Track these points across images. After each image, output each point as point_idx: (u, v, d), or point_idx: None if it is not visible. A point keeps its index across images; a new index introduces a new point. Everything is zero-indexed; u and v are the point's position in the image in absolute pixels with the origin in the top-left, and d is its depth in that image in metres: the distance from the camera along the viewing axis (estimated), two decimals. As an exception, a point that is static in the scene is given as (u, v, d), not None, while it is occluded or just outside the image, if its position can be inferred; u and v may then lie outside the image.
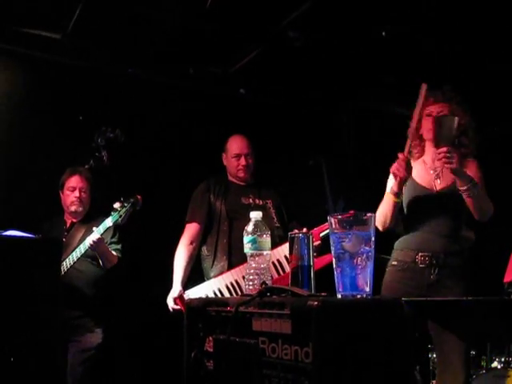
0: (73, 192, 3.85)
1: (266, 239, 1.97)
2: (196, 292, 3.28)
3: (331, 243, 1.57)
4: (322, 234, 3.10)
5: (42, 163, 4.24)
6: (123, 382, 4.43)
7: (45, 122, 4.37)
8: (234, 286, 3.24)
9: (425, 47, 4.49)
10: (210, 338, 1.79)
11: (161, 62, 4.71)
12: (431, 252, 2.81)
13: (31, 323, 2.53)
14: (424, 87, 2.78)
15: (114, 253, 3.80)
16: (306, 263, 1.79)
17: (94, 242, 3.54)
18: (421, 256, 2.84)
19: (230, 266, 3.34)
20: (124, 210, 3.50)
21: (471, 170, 2.85)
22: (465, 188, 2.70)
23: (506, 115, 5.03)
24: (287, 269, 3.19)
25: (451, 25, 4.14)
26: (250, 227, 1.98)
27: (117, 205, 3.52)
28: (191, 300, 1.98)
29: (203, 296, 3.20)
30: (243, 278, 3.16)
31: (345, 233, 1.53)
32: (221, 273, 3.35)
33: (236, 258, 3.33)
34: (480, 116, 2.98)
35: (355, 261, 1.51)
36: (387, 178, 3.03)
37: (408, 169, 2.77)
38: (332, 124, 5.63)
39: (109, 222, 3.53)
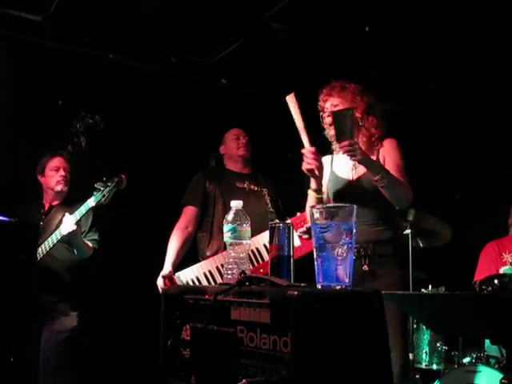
0: (57, 172, 3.81)
1: (246, 228, 1.96)
2: (187, 273, 3.28)
3: (312, 234, 1.57)
4: None
5: (19, 147, 4.19)
6: (98, 367, 4.39)
7: (23, 105, 4.30)
8: (213, 274, 3.23)
9: (409, 42, 4.50)
10: (187, 327, 1.78)
11: (143, 49, 4.66)
12: (359, 243, 2.78)
13: (5, 308, 2.50)
14: (291, 98, 2.85)
15: (89, 244, 3.75)
16: (285, 253, 1.78)
17: (68, 233, 3.48)
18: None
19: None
20: (108, 189, 3.44)
21: (388, 151, 2.87)
22: (375, 178, 2.67)
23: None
24: (266, 258, 3.19)
25: (436, 19, 4.14)
26: (230, 216, 1.97)
27: (100, 184, 3.46)
28: (169, 287, 1.96)
29: (194, 277, 3.19)
30: (221, 268, 3.17)
31: (326, 224, 1.52)
32: (214, 254, 3.37)
33: None
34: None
35: (336, 252, 1.50)
36: None
37: (319, 159, 2.75)
38: (312, 117, 5.61)
39: (91, 202, 3.46)
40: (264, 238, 3.20)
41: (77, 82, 4.42)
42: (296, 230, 3.11)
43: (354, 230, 1.53)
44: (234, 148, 3.73)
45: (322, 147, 2.94)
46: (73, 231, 3.47)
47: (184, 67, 4.90)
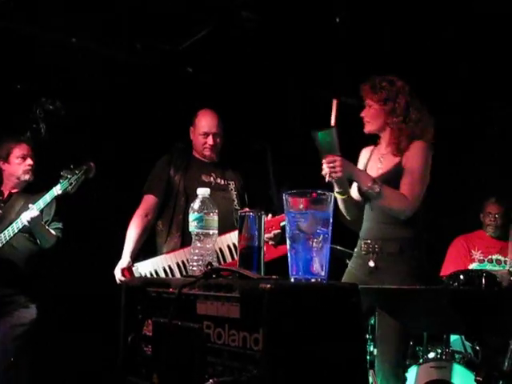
0: (24, 160, 3.63)
1: (214, 217, 1.85)
2: (146, 265, 3.13)
3: (286, 223, 1.47)
4: (282, 223, 3.00)
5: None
6: (57, 360, 4.25)
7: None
8: (186, 265, 3.10)
9: (378, 35, 4.45)
10: (150, 321, 1.66)
11: (108, 34, 4.50)
12: (370, 239, 2.87)
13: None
14: (335, 103, 2.86)
15: (53, 232, 3.60)
16: (256, 244, 1.68)
17: (31, 218, 3.33)
18: (363, 243, 2.90)
19: (183, 244, 3.23)
20: (75, 177, 3.30)
21: (410, 155, 2.86)
22: (363, 190, 2.76)
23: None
24: (228, 259, 3.09)
25: (409, 10, 4.10)
26: (196, 204, 1.85)
27: (66, 172, 3.31)
28: (130, 279, 1.83)
29: (153, 271, 3.06)
30: (187, 261, 3.06)
31: (301, 212, 1.42)
32: (173, 250, 3.23)
33: (190, 237, 3.20)
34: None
35: (311, 243, 1.40)
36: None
37: (346, 167, 2.75)
38: (280, 108, 5.53)
39: (57, 189, 3.31)
40: (228, 238, 3.09)
41: (37, 66, 4.25)
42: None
43: (331, 220, 1.43)
44: (200, 145, 3.54)
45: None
46: (34, 218, 3.32)
47: (150, 54, 4.76)
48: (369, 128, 2.99)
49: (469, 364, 3.58)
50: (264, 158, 5.28)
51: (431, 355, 3.86)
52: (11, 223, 3.41)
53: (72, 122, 4.12)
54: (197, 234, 1.85)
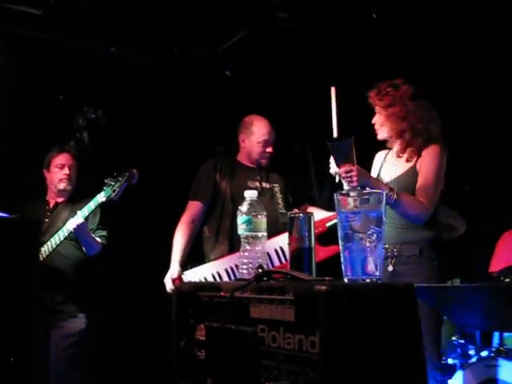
0: (61, 169, 3.70)
1: (262, 220, 1.84)
2: (194, 273, 3.16)
3: (338, 223, 1.44)
4: (328, 224, 3.00)
5: (20, 143, 4.08)
6: (109, 369, 4.29)
7: (24, 100, 4.20)
8: (234, 271, 3.11)
9: (416, 32, 4.37)
10: (202, 326, 1.66)
11: (145, 41, 4.54)
12: (388, 244, 2.84)
13: (7, 309, 2.39)
14: (333, 90, 2.89)
15: (98, 239, 3.64)
16: (306, 245, 1.66)
17: (77, 226, 3.37)
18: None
19: (231, 251, 3.23)
20: (118, 184, 3.32)
21: (424, 159, 2.85)
22: None
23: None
24: (276, 263, 3.08)
25: (448, 8, 4.02)
26: (244, 207, 1.84)
27: (110, 179, 3.34)
28: (181, 284, 1.83)
29: (202, 278, 3.07)
30: (236, 265, 3.05)
31: (353, 212, 1.40)
32: (221, 256, 3.24)
33: (237, 243, 3.20)
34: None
35: (364, 242, 1.38)
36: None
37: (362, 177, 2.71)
38: (319, 109, 5.49)
39: (101, 197, 3.34)
40: (275, 242, 3.08)
41: (78, 76, 4.31)
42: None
43: (384, 219, 1.41)
44: (257, 153, 3.52)
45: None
46: (80, 225, 3.36)
47: (187, 59, 4.78)
48: (381, 135, 3.01)
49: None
50: (305, 159, 5.27)
51: (485, 353, 3.76)
52: (57, 232, 3.46)
53: (114, 129, 4.17)
54: (246, 237, 1.84)
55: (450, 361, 3.99)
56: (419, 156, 2.86)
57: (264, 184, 3.50)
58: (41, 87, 4.23)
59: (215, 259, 3.24)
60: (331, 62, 4.86)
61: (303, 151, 5.38)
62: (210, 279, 3.06)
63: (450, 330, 4.03)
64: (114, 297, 4.27)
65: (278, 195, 3.49)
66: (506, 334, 3.81)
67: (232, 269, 3.13)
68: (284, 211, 3.39)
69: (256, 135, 3.52)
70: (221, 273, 3.12)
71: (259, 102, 4.95)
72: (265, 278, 1.55)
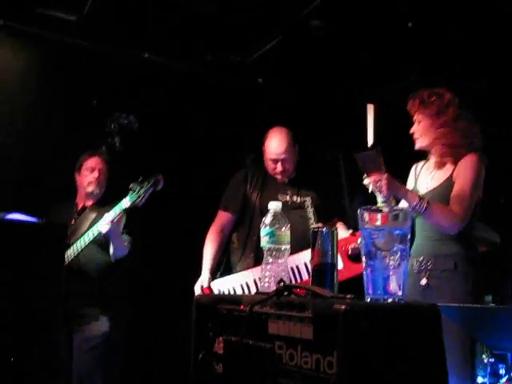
0: (91, 172, 3.72)
1: (286, 232, 1.80)
2: (223, 283, 3.15)
3: (361, 239, 1.40)
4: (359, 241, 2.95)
5: (53, 147, 4.13)
6: (128, 374, 4.30)
7: (58, 105, 4.25)
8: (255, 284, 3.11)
9: (452, 40, 4.29)
10: (221, 339, 1.63)
11: (177, 48, 4.56)
12: (422, 256, 2.79)
13: (33, 313, 2.41)
14: (371, 109, 2.74)
15: (125, 242, 3.65)
16: (329, 260, 1.62)
17: (111, 222, 3.36)
18: (415, 261, 2.82)
19: (256, 265, 3.19)
20: (144, 189, 3.31)
21: (461, 169, 2.77)
22: (411, 207, 2.65)
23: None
24: (305, 277, 3.05)
25: (481, 15, 3.94)
26: (267, 219, 1.81)
27: (135, 185, 3.34)
28: (201, 296, 1.80)
29: (230, 288, 3.07)
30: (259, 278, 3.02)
31: (377, 228, 1.35)
32: (247, 268, 3.23)
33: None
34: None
35: (387, 260, 1.33)
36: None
37: (392, 185, 2.66)
38: (352, 118, 5.45)
39: (126, 202, 3.33)
40: (306, 256, 3.03)
41: (111, 81, 4.35)
42: (345, 252, 3.04)
43: (409, 236, 1.36)
44: (270, 170, 3.46)
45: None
46: (112, 227, 3.36)
47: (220, 66, 4.78)
48: (420, 144, 2.93)
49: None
50: (337, 168, 5.22)
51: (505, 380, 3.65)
52: (84, 234, 3.48)
53: (146, 135, 4.18)
54: (268, 250, 1.81)
55: (480, 379, 3.90)
56: (457, 166, 2.79)
57: (295, 198, 3.43)
58: (74, 92, 4.28)
59: (245, 269, 3.23)
60: (363, 71, 4.81)
61: (335, 161, 5.32)
62: (239, 289, 3.05)
63: (480, 348, 3.93)
64: (138, 301, 4.28)
65: (310, 209, 3.43)
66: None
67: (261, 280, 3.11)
68: (315, 225, 3.34)
69: (267, 152, 3.46)
70: (249, 283, 3.11)
71: (291, 110, 4.94)
72: (285, 293, 1.51)
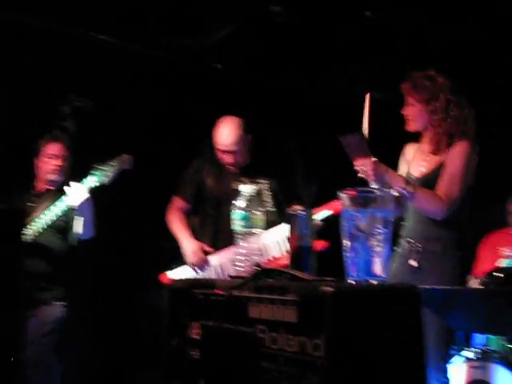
0: (53, 159, 3.59)
1: (260, 216, 1.79)
2: (181, 273, 3.13)
3: (343, 222, 1.39)
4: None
5: (4, 131, 3.98)
6: (88, 360, 4.22)
7: (6, 88, 4.09)
8: (221, 269, 3.09)
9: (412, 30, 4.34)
10: (197, 324, 1.60)
11: (135, 31, 4.45)
12: (413, 238, 2.80)
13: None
14: (368, 97, 2.74)
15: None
16: (307, 244, 1.61)
17: (82, 201, 3.26)
18: (405, 242, 2.83)
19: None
20: (111, 168, 3.23)
21: (451, 156, 2.77)
22: (396, 191, 2.63)
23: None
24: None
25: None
26: (241, 203, 1.79)
27: (101, 164, 3.25)
28: (174, 281, 1.77)
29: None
30: (230, 261, 3.02)
31: (360, 211, 1.35)
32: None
33: (220, 247, 3.19)
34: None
35: (371, 242, 1.33)
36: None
37: (378, 169, 2.66)
38: (307, 105, 5.46)
39: (92, 181, 3.25)
40: (266, 237, 3.05)
41: (67, 64, 4.22)
42: None
43: (391, 219, 1.36)
44: (221, 159, 3.42)
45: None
46: (86, 200, 3.26)
47: (176, 50, 4.70)
48: (412, 127, 2.90)
49: (508, 364, 3.48)
50: (293, 156, 5.22)
51: (470, 355, 3.75)
52: (44, 215, 3.38)
53: (102, 119, 4.08)
54: (242, 234, 1.79)
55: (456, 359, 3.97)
56: (449, 152, 2.77)
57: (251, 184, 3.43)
58: (28, 75, 4.13)
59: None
60: (323, 57, 4.82)
61: (291, 148, 5.32)
62: (211, 273, 3.06)
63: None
64: (99, 289, 4.20)
65: (267, 193, 3.42)
66: (490, 336, 3.81)
67: (221, 266, 3.13)
68: (273, 209, 3.33)
69: (216, 143, 3.39)
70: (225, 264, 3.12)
71: (248, 97, 4.92)
72: (263, 277, 1.50)
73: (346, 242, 1.39)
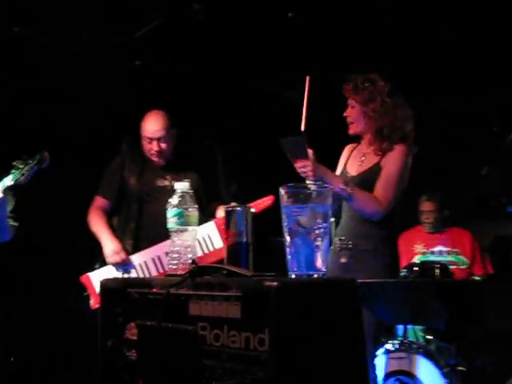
0: None
1: (194, 213, 1.77)
2: (103, 274, 3.06)
3: (283, 217, 1.40)
4: None
5: None
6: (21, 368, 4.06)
7: None
8: (143, 269, 3.05)
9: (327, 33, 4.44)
10: (133, 325, 1.57)
11: (53, 24, 4.30)
12: (344, 235, 2.86)
13: None
14: (307, 80, 2.79)
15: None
16: (244, 240, 1.61)
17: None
18: (338, 240, 2.89)
19: (135, 252, 3.19)
20: (27, 167, 3.08)
21: (388, 159, 2.85)
22: (335, 192, 2.70)
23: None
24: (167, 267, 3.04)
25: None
26: (175, 200, 1.77)
27: (18, 162, 3.11)
28: (108, 280, 1.73)
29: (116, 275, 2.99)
30: (152, 260, 2.99)
31: (299, 206, 1.36)
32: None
33: (143, 244, 3.19)
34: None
35: (311, 237, 1.35)
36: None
37: (317, 171, 2.70)
38: (230, 105, 5.47)
39: (8, 180, 3.10)
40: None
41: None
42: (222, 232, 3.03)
43: (330, 214, 1.38)
44: (146, 151, 3.41)
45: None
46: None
47: (97, 45, 4.58)
48: (353, 129, 2.98)
49: (427, 354, 3.61)
50: (214, 155, 5.22)
51: (390, 346, 3.86)
52: None
53: (21, 114, 3.93)
54: (176, 231, 1.77)
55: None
56: (386, 153, 2.85)
57: (174, 182, 3.41)
58: None
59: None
60: (246, 57, 4.84)
61: (212, 148, 5.32)
62: (133, 273, 3.01)
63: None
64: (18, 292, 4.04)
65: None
66: (409, 327, 3.95)
67: (141, 266, 3.09)
68: (195, 207, 3.32)
69: (143, 132, 3.40)
70: (136, 268, 3.06)
71: (170, 95, 4.86)
72: (200, 274, 1.48)
73: (287, 238, 1.40)
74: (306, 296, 1.25)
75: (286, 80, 5.14)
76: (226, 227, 1.65)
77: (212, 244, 3.01)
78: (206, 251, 2.97)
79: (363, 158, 2.95)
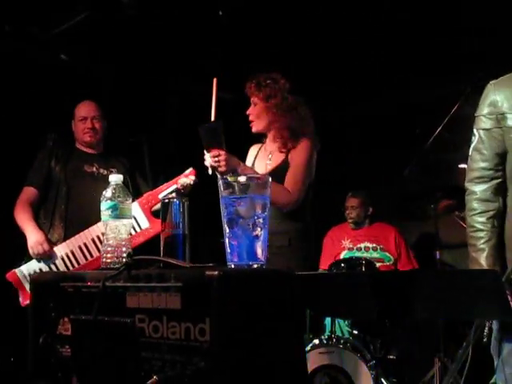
0: None
1: (128, 206, 1.74)
2: (29, 268, 3.01)
3: (222, 207, 1.40)
4: (161, 195, 2.94)
5: None
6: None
7: None
8: (70, 258, 2.98)
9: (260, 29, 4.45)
10: (66, 319, 1.52)
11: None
12: None
13: None
14: (215, 81, 2.83)
15: None
16: (181, 231, 1.59)
17: None
18: None
19: (66, 236, 3.16)
20: None
21: (295, 152, 2.93)
22: None
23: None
24: (95, 254, 2.99)
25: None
26: (108, 192, 1.74)
27: None
28: (39, 275, 1.67)
29: (45, 267, 2.92)
30: (79, 248, 2.97)
31: (238, 196, 1.36)
32: (56, 242, 3.15)
33: (73, 228, 3.17)
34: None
35: (251, 227, 1.35)
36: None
37: (231, 162, 2.73)
38: (157, 102, 5.41)
39: None
40: (97, 230, 3.03)
41: None
42: (149, 210, 3.03)
43: (268, 204, 1.39)
44: (80, 132, 3.49)
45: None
46: None
47: (19, 39, 4.42)
48: (256, 127, 3.06)
49: (354, 348, 3.69)
50: (141, 150, 5.15)
51: (317, 341, 3.91)
52: None
53: None
54: (109, 224, 1.73)
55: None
56: (292, 149, 2.92)
57: (102, 170, 3.46)
58: None
59: (56, 243, 3.16)
60: (174, 54, 4.80)
61: (139, 143, 5.25)
62: (61, 264, 2.92)
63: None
64: None
65: None
66: (336, 323, 4.02)
67: (68, 256, 3.08)
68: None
69: (76, 115, 3.54)
70: (57, 263, 3.00)
71: (96, 90, 4.75)
72: (135, 266, 1.46)
73: (226, 228, 1.40)
74: (246, 285, 1.25)
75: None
76: (163, 219, 1.63)
77: (138, 224, 2.99)
78: (133, 233, 2.93)
79: (270, 156, 3.02)
